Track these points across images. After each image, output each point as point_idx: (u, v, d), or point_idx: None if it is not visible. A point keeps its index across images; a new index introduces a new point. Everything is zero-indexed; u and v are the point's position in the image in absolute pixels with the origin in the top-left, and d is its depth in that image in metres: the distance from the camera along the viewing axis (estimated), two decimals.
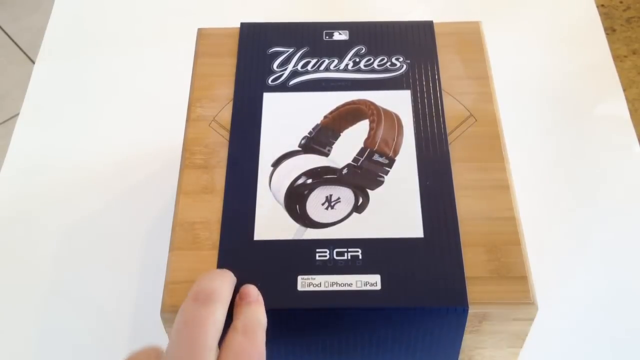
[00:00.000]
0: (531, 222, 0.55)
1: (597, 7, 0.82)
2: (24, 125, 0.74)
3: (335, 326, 0.48)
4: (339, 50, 0.60)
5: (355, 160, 0.53)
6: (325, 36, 0.61)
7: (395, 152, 0.53)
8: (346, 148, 0.54)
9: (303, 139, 0.54)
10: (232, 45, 0.61)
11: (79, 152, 0.72)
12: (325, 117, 0.56)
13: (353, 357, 0.51)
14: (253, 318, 0.44)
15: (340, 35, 0.61)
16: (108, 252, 0.65)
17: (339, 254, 0.49)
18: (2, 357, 0.59)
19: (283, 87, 0.58)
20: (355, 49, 0.60)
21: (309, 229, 0.50)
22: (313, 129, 0.55)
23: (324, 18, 0.64)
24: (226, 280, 0.45)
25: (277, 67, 0.59)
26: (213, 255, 0.49)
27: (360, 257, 0.48)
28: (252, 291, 0.46)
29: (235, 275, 0.46)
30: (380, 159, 0.53)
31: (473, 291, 0.47)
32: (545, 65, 0.78)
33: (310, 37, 0.61)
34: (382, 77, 0.58)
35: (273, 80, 0.58)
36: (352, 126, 0.55)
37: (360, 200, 0.51)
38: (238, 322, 0.43)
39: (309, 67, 0.59)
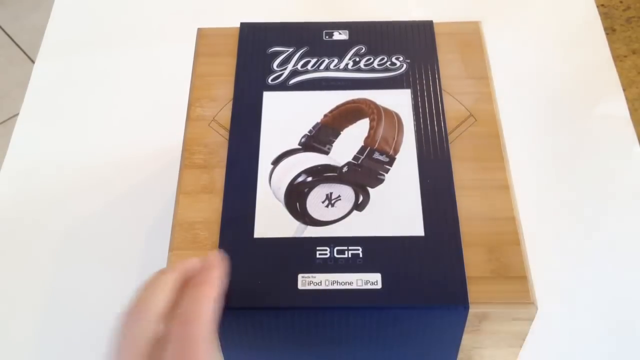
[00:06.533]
0: (531, 222, 0.55)
1: (597, 7, 0.82)
2: (24, 125, 0.74)
3: (336, 325, 0.48)
4: (338, 50, 0.60)
5: (355, 158, 0.53)
6: (325, 36, 0.61)
7: (396, 151, 0.53)
8: (346, 146, 0.54)
9: (303, 137, 0.54)
10: (232, 45, 0.61)
11: (79, 152, 0.72)
12: (325, 115, 0.56)
13: (353, 355, 0.51)
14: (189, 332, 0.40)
15: (340, 35, 0.61)
16: (108, 252, 0.65)
17: (339, 252, 0.48)
18: (2, 357, 0.59)
19: (283, 87, 0.57)
20: (355, 48, 0.60)
21: (309, 227, 0.50)
22: (313, 127, 0.55)
23: (324, 18, 0.64)
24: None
25: (277, 67, 0.59)
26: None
27: (360, 256, 0.48)
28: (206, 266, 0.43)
29: (236, 273, 0.46)
30: (381, 157, 0.53)
31: (473, 291, 0.47)
32: (546, 65, 0.77)
33: (310, 37, 0.61)
34: (382, 77, 0.58)
35: (273, 80, 0.58)
36: (352, 125, 0.55)
37: (361, 198, 0.51)
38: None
39: (309, 67, 0.59)
